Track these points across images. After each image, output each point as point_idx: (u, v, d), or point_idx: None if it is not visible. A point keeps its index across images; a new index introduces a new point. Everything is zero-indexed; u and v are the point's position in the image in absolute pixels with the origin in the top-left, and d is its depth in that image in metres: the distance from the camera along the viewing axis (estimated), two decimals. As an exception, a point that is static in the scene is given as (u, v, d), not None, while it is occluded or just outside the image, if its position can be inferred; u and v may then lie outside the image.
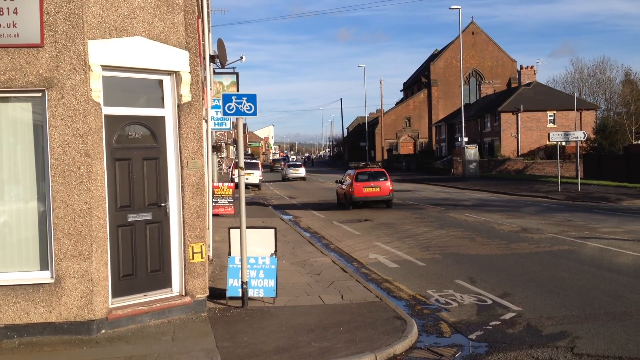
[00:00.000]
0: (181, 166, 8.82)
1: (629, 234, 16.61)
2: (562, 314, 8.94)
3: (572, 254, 13.77)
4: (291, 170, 56.56)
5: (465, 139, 55.30)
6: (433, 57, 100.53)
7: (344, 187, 27.27)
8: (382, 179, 26.00)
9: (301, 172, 56.01)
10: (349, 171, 27.86)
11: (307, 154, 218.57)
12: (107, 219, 8.17)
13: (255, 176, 41.30)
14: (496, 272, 12.10)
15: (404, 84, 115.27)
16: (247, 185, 39.15)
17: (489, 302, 9.81)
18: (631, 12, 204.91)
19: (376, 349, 7.28)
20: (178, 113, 8.82)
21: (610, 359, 6.99)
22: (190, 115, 8.86)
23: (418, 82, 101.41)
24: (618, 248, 14.33)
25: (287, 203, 31.24)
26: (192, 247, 8.85)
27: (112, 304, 8.26)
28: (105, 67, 8.10)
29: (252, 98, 9.38)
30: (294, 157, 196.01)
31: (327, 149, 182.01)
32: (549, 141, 35.29)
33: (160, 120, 8.83)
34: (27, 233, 8.07)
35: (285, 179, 55.96)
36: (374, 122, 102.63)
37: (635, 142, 57.23)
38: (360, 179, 25.98)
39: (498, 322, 8.64)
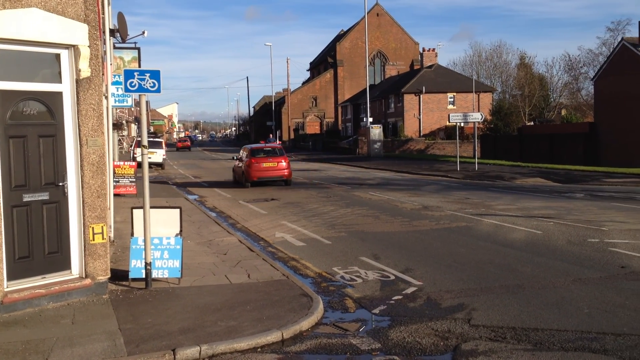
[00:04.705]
0: (80, 144, 8.50)
1: (521, 211, 17.52)
2: (460, 288, 9.35)
3: (469, 230, 14.39)
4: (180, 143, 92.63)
5: (370, 119, 56.22)
6: (339, 37, 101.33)
7: (180, 141, 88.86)
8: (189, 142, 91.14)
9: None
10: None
11: (212, 132, 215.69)
12: (1, 199, 7.76)
13: (158, 155, 40.38)
14: (399, 248, 12.47)
15: (311, 63, 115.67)
16: (151, 165, 38.21)
17: (392, 277, 10.11)
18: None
19: (283, 326, 7.36)
20: (77, 89, 8.46)
21: (505, 329, 7.38)
22: (89, 91, 8.53)
23: (324, 62, 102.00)
24: (512, 224, 15.09)
25: (192, 182, 30.78)
26: (93, 228, 8.58)
27: (7, 287, 7.89)
28: (-4, 39, 7.63)
29: (155, 74, 9.12)
30: (200, 136, 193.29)
31: (234, 128, 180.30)
32: (449, 122, 36.56)
33: (58, 96, 8.45)
34: None
35: (178, 149, 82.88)
36: (280, 101, 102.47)
37: (529, 124, 60.23)
38: (179, 142, 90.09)
39: (400, 297, 8.93)
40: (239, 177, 27.73)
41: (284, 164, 26.05)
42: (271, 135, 37.14)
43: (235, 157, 29.41)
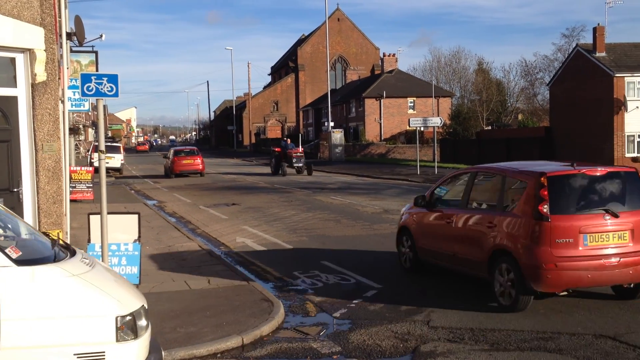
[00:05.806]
0: (35, 149, 8.36)
1: (480, 214, 17.75)
2: (420, 290, 9.45)
3: (429, 234, 14.51)
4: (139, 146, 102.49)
5: (332, 124, 56.45)
6: (300, 42, 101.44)
7: (139, 145, 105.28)
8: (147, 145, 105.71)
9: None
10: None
11: (172, 137, 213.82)
12: (-48, 206, 7.57)
13: (116, 160, 39.82)
14: (360, 252, 12.53)
15: (272, 67, 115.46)
16: (108, 170, 37.65)
17: (353, 281, 10.17)
18: (484, 4, 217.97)
19: (243, 331, 7.35)
20: (32, 93, 8.32)
21: (463, 330, 7.50)
22: (45, 96, 8.40)
23: (286, 67, 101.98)
24: (470, 227, 15.27)
25: (152, 187, 30.43)
26: (48, 235, 8.42)
27: (-42, 297, 7.69)
28: (-53, 42, 7.46)
29: (113, 78, 8.99)
30: (159, 140, 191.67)
31: (194, 133, 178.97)
32: (409, 126, 36.98)
33: (13, 100, 8.29)
34: None
35: (137, 152, 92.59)
36: (241, 105, 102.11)
37: (487, 128, 61.23)
38: (139, 145, 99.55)
39: (360, 300, 8.99)
40: (167, 170, 37.90)
41: (199, 161, 36.37)
42: (289, 141, 36.42)
43: (164, 156, 41.34)
